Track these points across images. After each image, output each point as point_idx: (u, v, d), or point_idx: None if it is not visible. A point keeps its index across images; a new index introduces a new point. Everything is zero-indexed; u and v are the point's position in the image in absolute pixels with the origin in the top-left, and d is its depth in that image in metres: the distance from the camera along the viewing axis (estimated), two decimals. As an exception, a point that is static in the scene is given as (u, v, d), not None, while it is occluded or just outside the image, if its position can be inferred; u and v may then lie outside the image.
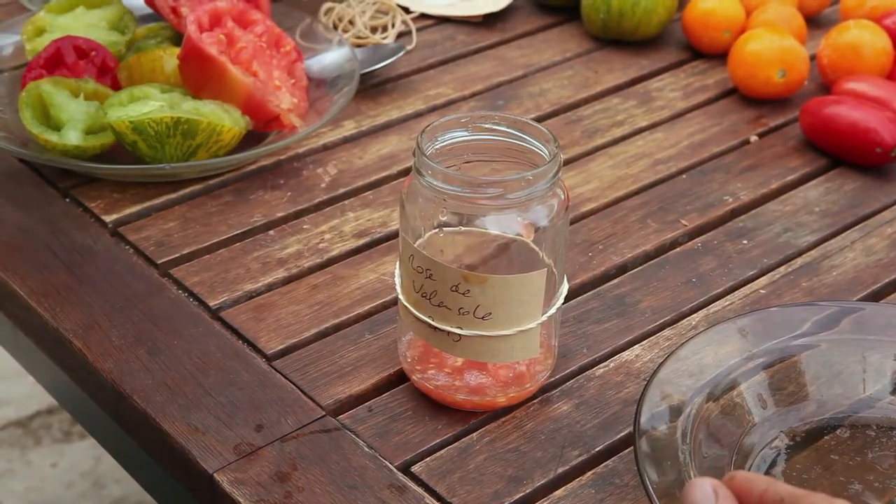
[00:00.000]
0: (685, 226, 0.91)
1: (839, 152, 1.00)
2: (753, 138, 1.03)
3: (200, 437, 0.70)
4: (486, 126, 0.70)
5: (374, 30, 1.18)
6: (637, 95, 1.09)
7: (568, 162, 0.98)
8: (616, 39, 1.18)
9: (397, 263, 0.72)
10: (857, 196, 0.96)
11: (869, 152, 0.97)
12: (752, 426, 0.70)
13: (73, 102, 0.93)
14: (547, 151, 0.68)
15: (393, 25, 1.18)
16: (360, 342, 0.78)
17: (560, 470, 0.69)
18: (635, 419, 0.67)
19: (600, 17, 1.16)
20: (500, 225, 0.67)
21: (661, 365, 0.71)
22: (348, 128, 1.02)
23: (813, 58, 1.12)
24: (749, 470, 0.67)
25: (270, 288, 0.83)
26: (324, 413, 0.72)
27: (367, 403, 0.73)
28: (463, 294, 0.67)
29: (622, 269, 0.86)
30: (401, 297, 0.71)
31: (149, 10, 1.05)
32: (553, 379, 0.75)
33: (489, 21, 1.22)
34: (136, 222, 0.89)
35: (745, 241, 0.89)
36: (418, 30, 1.19)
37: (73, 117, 0.92)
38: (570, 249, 0.86)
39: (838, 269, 0.87)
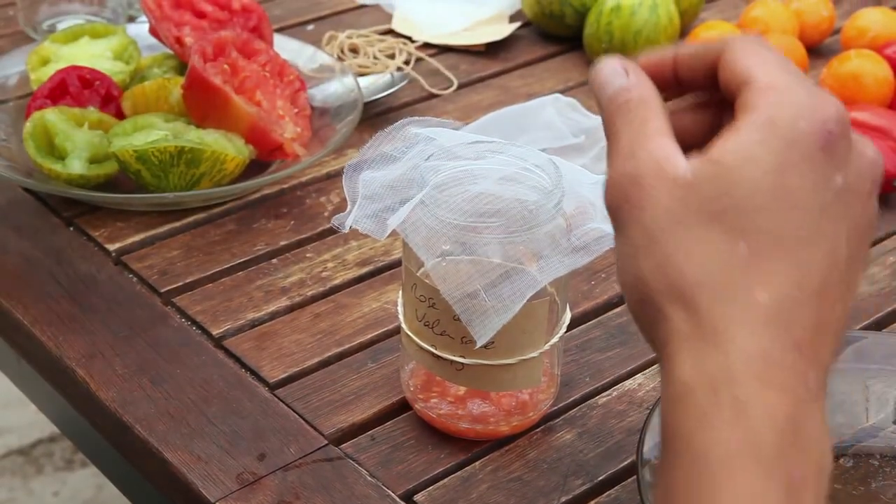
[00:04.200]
0: (687, 254, 0.91)
1: (841, 181, 1.00)
2: (755, 167, 1.03)
3: (203, 465, 0.70)
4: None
5: (377, 59, 1.18)
6: (639, 124, 1.09)
7: (570, 191, 0.99)
8: (618, 69, 1.18)
9: (400, 292, 0.72)
10: (859, 225, 0.96)
11: (870, 181, 0.98)
12: (754, 456, 0.69)
13: (77, 132, 0.94)
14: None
15: (396, 55, 1.19)
16: (363, 371, 0.78)
17: (563, 499, 0.69)
18: (638, 448, 0.67)
19: (602, 46, 1.17)
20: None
21: (663, 394, 0.71)
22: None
23: (814, 87, 1.12)
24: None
25: (273, 316, 0.83)
26: (326, 442, 0.72)
27: (369, 432, 0.73)
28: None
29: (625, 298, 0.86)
30: (403, 326, 0.71)
31: (153, 40, 1.05)
32: (556, 408, 0.75)
33: (492, 50, 1.23)
34: (139, 251, 0.89)
35: (747, 270, 0.89)
36: (421, 59, 1.19)
37: (77, 146, 0.93)
38: (573, 278, 0.87)
39: (841, 298, 0.87)
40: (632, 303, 0.48)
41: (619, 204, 0.48)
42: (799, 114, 0.46)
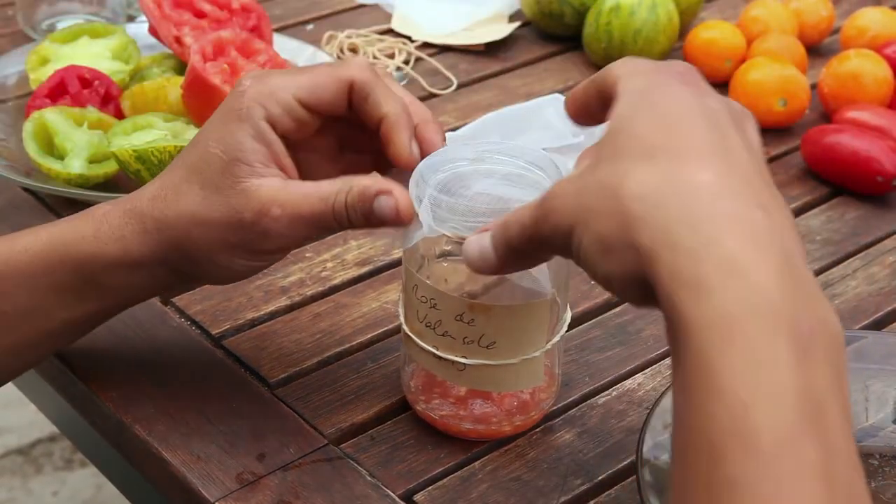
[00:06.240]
0: (687, 254, 0.91)
1: (840, 181, 1.00)
2: (755, 167, 1.03)
3: (202, 465, 0.70)
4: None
5: (376, 58, 1.18)
6: (638, 124, 1.09)
7: (570, 190, 0.98)
8: (617, 68, 1.18)
9: (399, 293, 0.72)
10: (859, 225, 0.96)
11: (870, 181, 0.98)
12: (754, 456, 0.69)
13: (76, 132, 0.94)
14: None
15: (396, 55, 1.19)
16: (363, 370, 0.78)
17: (563, 499, 0.69)
18: (638, 448, 0.67)
19: (602, 46, 1.17)
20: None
21: (663, 393, 0.71)
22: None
23: (814, 87, 1.12)
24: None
25: (273, 316, 0.83)
26: (326, 442, 0.72)
27: (369, 432, 0.73)
28: (467, 323, 0.67)
29: (624, 298, 0.86)
30: (404, 327, 0.71)
31: (153, 40, 1.05)
32: (555, 408, 0.75)
33: (491, 50, 1.23)
34: (139, 251, 0.89)
35: (747, 270, 0.89)
36: (421, 58, 1.19)
37: (76, 146, 0.92)
38: (573, 278, 0.86)
39: (840, 298, 0.87)
40: (627, 287, 0.51)
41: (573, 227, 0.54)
42: (656, 69, 0.56)
